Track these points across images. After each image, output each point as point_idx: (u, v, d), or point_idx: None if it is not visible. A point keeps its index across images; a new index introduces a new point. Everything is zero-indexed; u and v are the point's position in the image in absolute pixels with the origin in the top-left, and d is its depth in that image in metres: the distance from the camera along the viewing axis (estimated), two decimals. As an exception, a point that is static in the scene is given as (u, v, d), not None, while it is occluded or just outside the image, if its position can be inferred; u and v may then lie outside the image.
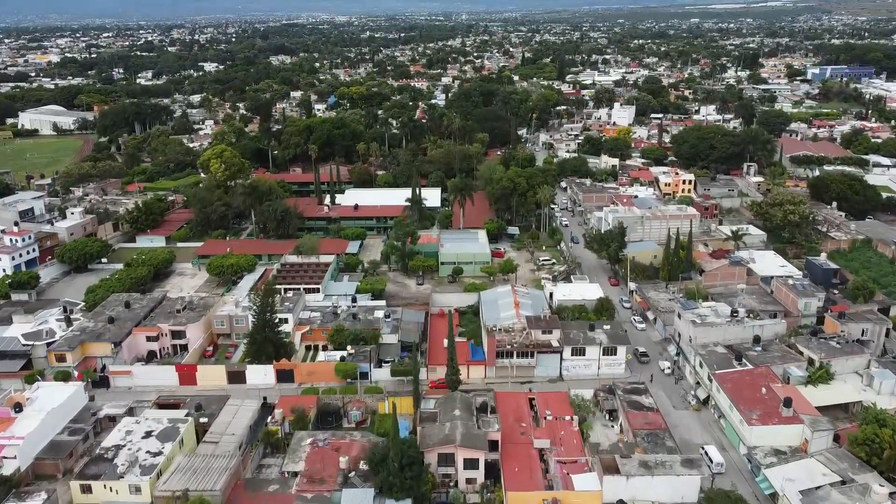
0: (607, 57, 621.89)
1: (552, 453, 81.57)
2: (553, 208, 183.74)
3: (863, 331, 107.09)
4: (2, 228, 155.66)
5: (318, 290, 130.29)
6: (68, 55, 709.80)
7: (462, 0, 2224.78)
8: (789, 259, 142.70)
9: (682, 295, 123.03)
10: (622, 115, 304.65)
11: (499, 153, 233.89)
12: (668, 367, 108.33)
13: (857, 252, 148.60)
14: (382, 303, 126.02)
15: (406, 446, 76.45)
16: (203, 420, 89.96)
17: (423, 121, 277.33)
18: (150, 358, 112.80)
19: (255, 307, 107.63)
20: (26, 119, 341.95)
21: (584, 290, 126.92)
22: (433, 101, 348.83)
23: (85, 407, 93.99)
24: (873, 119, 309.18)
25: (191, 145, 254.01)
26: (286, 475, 79.52)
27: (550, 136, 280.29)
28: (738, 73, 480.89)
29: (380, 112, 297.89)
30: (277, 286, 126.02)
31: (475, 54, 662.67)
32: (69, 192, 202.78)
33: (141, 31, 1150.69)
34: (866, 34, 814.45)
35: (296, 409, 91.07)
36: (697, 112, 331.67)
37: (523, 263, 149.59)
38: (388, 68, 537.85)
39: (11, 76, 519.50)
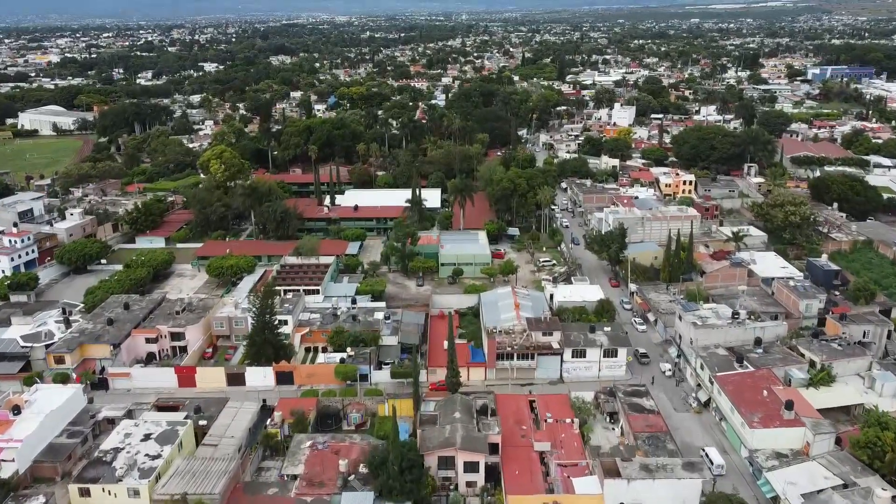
0: (607, 57, 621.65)
1: (553, 456, 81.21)
2: (553, 209, 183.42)
3: (864, 333, 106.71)
4: (1, 229, 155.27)
5: (317, 292, 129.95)
6: (68, 55, 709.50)
7: (462, 0, 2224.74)
8: (790, 260, 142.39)
9: (683, 296, 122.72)
10: (622, 116, 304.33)
11: (499, 154, 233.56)
12: (669, 369, 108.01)
13: (858, 253, 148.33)
14: (382, 304, 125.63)
15: (406, 449, 76.12)
16: (202, 422, 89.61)
17: (423, 121, 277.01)
18: (150, 360, 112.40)
19: (254, 309, 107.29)
20: (26, 119, 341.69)
21: (585, 292, 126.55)
22: (433, 102, 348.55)
23: (84, 409, 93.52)
24: (874, 119, 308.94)
25: (190, 146, 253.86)
26: (285, 478, 79.14)
27: (551, 137, 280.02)
28: (739, 74, 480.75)
29: (380, 112, 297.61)
30: (277, 287, 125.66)
31: (475, 54, 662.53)
32: (69, 193, 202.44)
33: (141, 31, 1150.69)
34: (866, 34, 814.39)
35: (295, 411, 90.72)
36: (698, 112, 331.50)
37: (523, 265, 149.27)
38: (388, 68, 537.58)
39: (11, 76, 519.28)
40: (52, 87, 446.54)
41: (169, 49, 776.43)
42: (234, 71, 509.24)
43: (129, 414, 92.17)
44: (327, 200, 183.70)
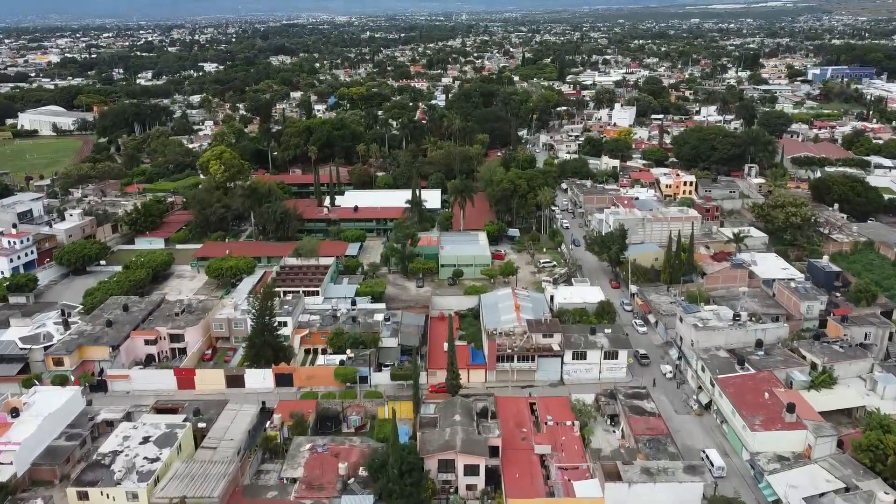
0: (608, 57, 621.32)
1: (553, 459, 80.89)
2: (554, 210, 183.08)
3: (865, 334, 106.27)
4: (0, 230, 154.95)
5: (317, 293, 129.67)
6: (68, 55, 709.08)
7: (462, 0, 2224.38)
8: (791, 261, 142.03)
9: (684, 298, 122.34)
10: (623, 116, 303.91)
11: (499, 154, 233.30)
12: (670, 372, 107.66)
13: (860, 254, 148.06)
14: (382, 306, 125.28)
15: (406, 452, 75.73)
16: (201, 425, 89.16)
17: (424, 122, 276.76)
18: (149, 362, 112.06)
19: (253, 310, 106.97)
20: (26, 120, 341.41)
21: (585, 293, 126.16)
22: (433, 102, 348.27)
23: (82, 411, 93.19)
24: (874, 120, 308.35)
25: (190, 146, 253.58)
26: (285, 481, 78.80)
27: (551, 137, 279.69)
28: (739, 74, 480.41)
29: (380, 113, 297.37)
30: (276, 289, 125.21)
31: (475, 55, 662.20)
32: (68, 194, 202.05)
33: (141, 32, 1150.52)
34: (867, 34, 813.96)
35: (295, 413, 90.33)
36: (698, 113, 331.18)
37: (524, 266, 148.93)
38: (389, 69, 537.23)
39: (11, 76, 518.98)
40: (52, 87, 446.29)
41: (169, 49, 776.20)
42: (234, 71, 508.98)
43: (128, 416, 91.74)
44: (327, 201, 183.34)
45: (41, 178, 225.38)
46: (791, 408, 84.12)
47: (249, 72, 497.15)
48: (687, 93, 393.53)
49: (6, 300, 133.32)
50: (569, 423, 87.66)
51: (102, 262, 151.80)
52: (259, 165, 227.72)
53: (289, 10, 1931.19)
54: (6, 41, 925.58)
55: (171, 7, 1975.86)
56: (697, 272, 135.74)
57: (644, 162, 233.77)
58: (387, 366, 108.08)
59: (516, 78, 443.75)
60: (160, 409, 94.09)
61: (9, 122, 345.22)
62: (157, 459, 78.92)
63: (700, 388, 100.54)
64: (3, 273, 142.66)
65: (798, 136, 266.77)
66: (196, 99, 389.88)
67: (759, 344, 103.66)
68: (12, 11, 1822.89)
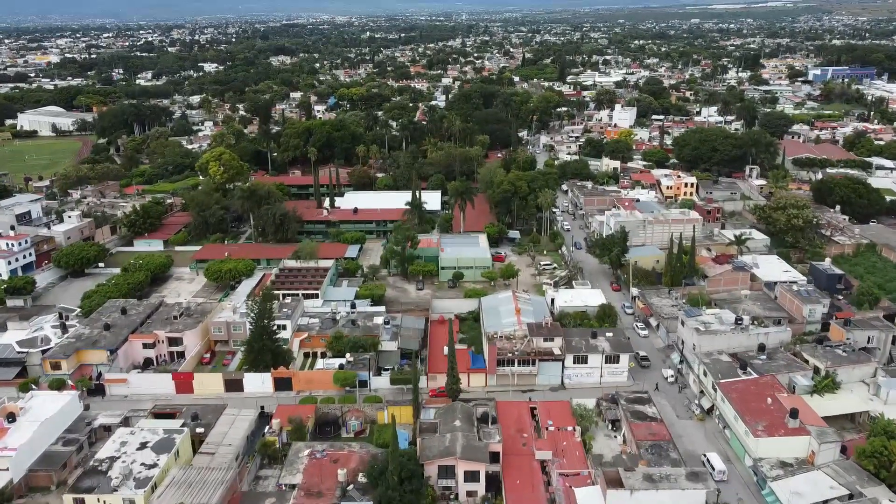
0: (608, 57, 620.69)
1: (554, 465, 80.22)
2: (554, 212, 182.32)
3: (868, 338, 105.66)
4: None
5: (316, 296, 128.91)
6: (68, 56, 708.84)
7: (462, 0, 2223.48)
8: (793, 264, 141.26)
9: (686, 301, 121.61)
10: (623, 117, 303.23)
11: (499, 155, 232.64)
12: (672, 376, 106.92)
13: (862, 257, 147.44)
14: (382, 309, 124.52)
15: (405, 458, 75.16)
16: (199, 430, 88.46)
17: (424, 123, 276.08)
18: (147, 365, 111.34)
19: (252, 313, 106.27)
20: (25, 120, 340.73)
21: (586, 296, 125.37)
22: (433, 103, 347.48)
23: (80, 416, 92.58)
24: (875, 121, 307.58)
25: (190, 147, 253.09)
26: (284, 488, 78.09)
27: (551, 138, 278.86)
28: (739, 74, 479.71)
29: (380, 114, 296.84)
30: (275, 292, 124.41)
31: (475, 55, 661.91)
32: (67, 195, 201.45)
33: (141, 32, 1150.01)
34: (867, 35, 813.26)
35: (293, 418, 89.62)
36: (699, 114, 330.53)
37: (524, 268, 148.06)
38: (389, 69, 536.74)
39: (11, 77, 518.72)
40: (52, 87, 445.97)
41: (169, 49, 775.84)
42: (233, 71, 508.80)
43: (126, 421, 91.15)
44: (326, 203, 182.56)
45: (40, 180, 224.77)
46: (794, 413, 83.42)
47: (249, 72, 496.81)
48: (687, 93, 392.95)
49: (4, 303, 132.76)
50: (570, 428, 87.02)
51: (101, 265, 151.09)
52: (258, 167, 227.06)
53: (289, 11, 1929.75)
54: (6, 41, 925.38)
55: (170, 7, 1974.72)
56: (699, 275, 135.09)
57: (645, 163, 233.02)
58: (386, 370, 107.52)
59: (516, 78, 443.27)
60: (158, 414, 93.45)
61: (8, 122, 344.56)
62: (154, 465, 78.17)
63: (702, 392, 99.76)
64: (0, 275, 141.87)
65: (799, 138, 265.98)
66: (196, 99, 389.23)
67: (761, 348, 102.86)
68: (12, 11, 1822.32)
